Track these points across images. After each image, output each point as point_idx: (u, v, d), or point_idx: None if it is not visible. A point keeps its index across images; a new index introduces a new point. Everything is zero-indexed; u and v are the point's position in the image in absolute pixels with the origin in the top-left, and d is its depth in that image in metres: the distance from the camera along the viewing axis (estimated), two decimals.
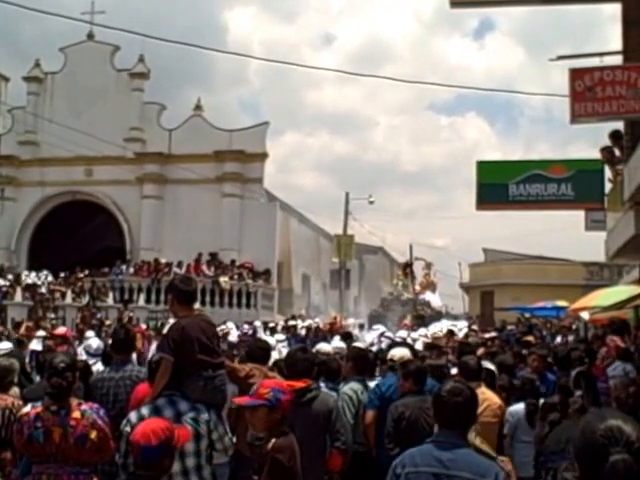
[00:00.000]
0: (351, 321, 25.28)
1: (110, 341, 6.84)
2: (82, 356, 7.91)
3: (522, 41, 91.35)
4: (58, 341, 8.76)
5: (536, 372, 7.88)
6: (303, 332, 16.87)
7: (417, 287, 39.66)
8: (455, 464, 3.12)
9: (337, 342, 9.27)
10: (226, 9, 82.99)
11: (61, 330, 10.15)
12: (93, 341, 8.91)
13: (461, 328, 21.92)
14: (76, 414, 4.26)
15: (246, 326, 19.69)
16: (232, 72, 75.68)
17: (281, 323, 22.26)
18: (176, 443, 3.49)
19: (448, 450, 3.16)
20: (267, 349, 6.27)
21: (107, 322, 17.58)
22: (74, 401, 4.38)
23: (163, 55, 49.44)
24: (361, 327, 21.05)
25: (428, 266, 42.40)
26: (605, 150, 10.93)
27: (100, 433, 4.28)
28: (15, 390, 5.61)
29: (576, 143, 76.26)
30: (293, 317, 25.11)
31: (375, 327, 19.66)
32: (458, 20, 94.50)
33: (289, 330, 19.91)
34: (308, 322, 22.11)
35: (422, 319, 30.33)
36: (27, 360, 9.59)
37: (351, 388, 6.21)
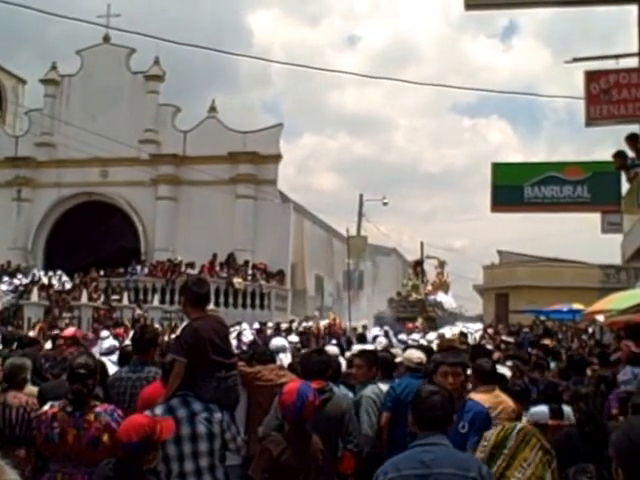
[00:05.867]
0: (362, 322, 25.00)
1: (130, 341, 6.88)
2: (96, 356, 7.95)
3: (548, 43, 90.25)
4: (68, 342, 8.71)
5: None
6: (295, 338, 15.25)
7: (429, 287, 38.90)
8: (437, 463, 3.14)
9: (358, 346, 9.28)
10: (249, 12, 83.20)
11: (69, 331, 10.04)
12: (106, 342, 8.95)
13: (477, 330, 21.75)
14: (90, 416, 4.26)
15: (257, 325, 19.62)
16: (255, 73, 75.98)
17: (295, 325, 22.17)
18: (158, 437, 3.57)
19: (429, 451, 3.18)
20: (269, 351, 6.59)
21: (126, 323, 17.63)
22: (90, 403, 4.37)
23: (186, 57, 49.60)
24: (364, 328, 20.76)
25: (441, 265, 41.19)
26: (618, 156, 10.82)
27: (113, 436, 4.26)
28: (31, 388, 5.61)
29: (600, 145, 75.23)
30: (307, 318, 25.08)
31: (374, 330, 19.41)
32: (484, 21, 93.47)
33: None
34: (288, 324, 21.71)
35: (433, 321, 29.72)
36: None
37: (373, 391, 6.14)
